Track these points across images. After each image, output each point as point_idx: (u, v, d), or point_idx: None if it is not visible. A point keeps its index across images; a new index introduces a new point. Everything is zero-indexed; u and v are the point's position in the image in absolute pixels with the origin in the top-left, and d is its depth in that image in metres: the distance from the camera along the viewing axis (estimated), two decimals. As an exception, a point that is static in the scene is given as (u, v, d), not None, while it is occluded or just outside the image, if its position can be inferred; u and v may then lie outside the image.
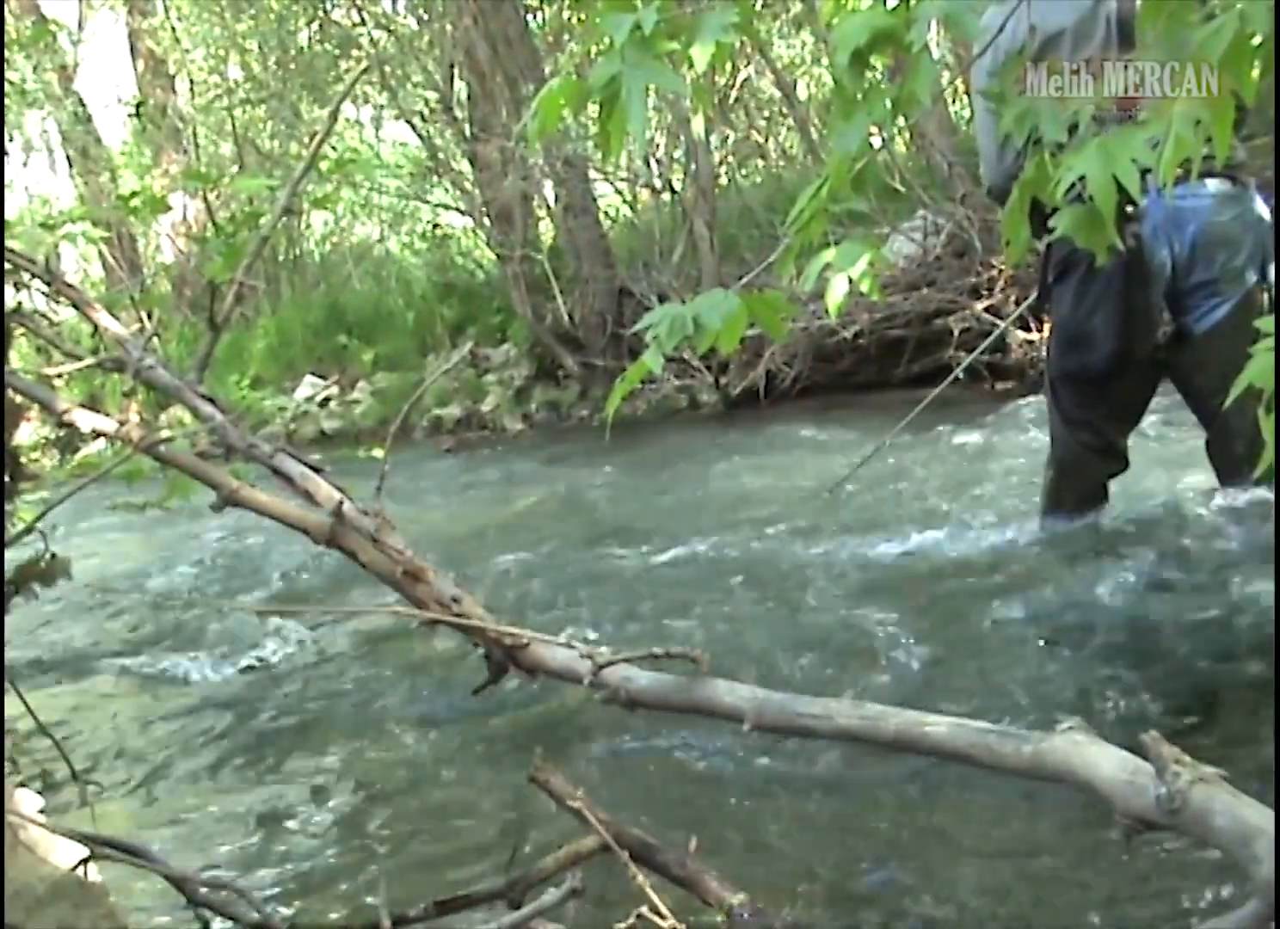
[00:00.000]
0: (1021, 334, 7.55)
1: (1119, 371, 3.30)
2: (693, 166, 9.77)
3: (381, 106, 12.90)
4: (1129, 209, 2.95)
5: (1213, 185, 3.17)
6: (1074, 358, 3.31)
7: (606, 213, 11.44)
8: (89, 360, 2.77)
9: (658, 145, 10.31)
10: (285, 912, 1.98)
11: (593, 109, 1.60)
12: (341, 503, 2.25)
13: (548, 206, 10.83)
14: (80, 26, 15.92)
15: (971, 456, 5.44)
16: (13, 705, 2.40)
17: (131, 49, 15.16)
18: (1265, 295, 3.21)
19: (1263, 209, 3.23)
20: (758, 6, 9.92)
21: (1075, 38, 3.05)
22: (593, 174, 10.41)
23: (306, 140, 11.73)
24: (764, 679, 2.66)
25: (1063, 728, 1.33)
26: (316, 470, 2.38)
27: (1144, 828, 1.22)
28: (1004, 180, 3.14)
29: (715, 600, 3.65)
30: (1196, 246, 3.16)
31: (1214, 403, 3.18)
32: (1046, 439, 3.65)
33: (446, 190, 12.28)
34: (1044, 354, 3.69)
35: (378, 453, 2.58)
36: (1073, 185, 1.43)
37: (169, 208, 2.98)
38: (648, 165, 10.66)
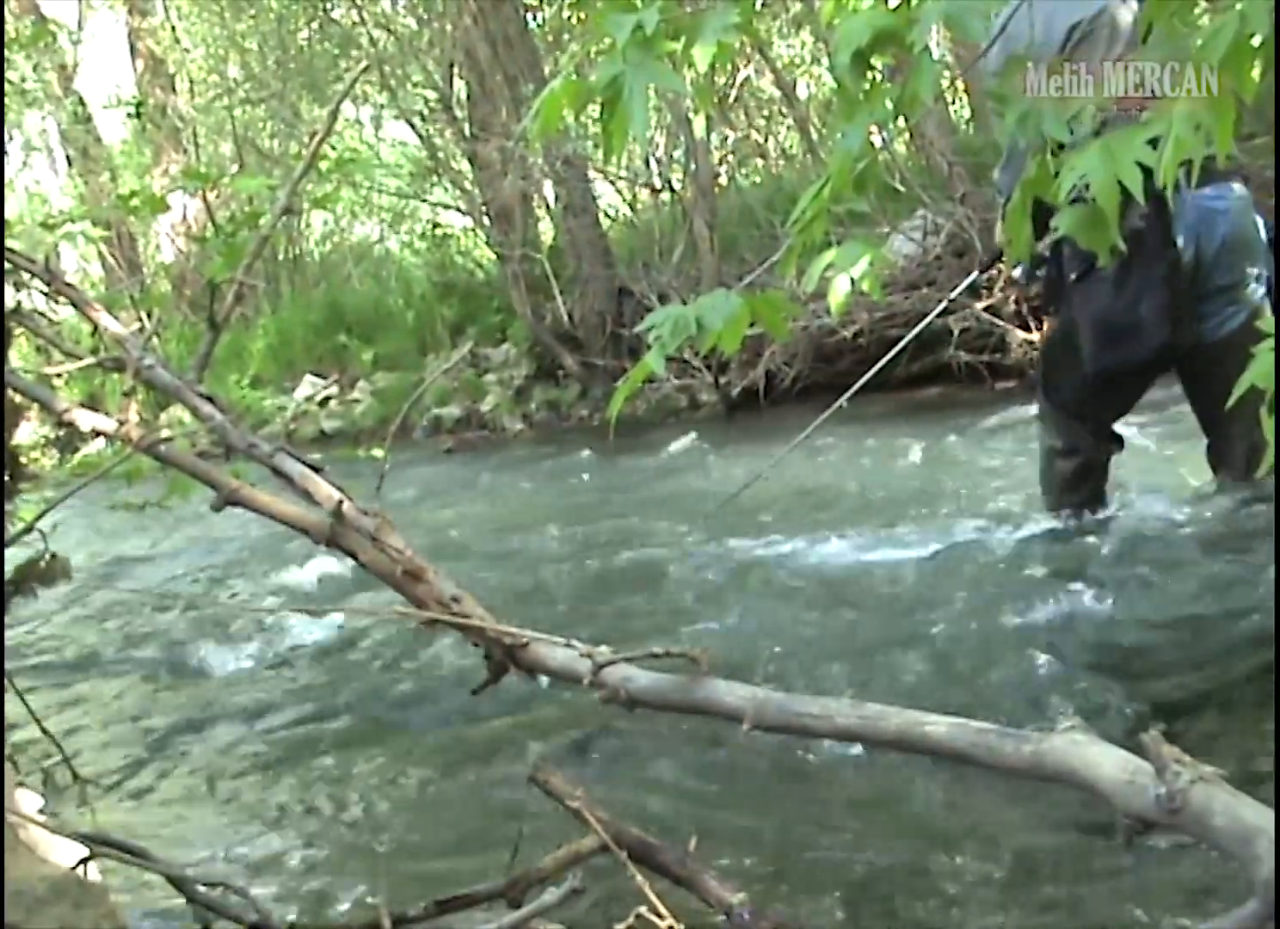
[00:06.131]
0: (1021, 334, 7.56)
1: (1163, 361, 3.26)
2: (693, 166, 9.77)
3: (381, 106, 12.91)
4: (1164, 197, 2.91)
5: (1238, 187, 3.16)
6: (1120, 350, 3.24)
7: (606, 212, 11.44)
8: (89, 360, 2.77)
9: (657, 145, 10.30)
10: (285, 911, 1.98)
11: (592, 108, 1.60)
12: (341, 502, 2.25)
13: (547, 206, 10.84)
14: (80, 26, 15.93)
15: (970, 456, 5.45)
16: (12, 705, 2.41)
17: (131, 48, 15.16)
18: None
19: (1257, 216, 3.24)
20: (758, 6, 9.90)
21: (1110, 32, 3.03)
22: (592, 173, 10.41)
23: (306, 140, 11.72)
24: (762, 678, 2.66)
25: (1062, 728, 1.33)
26: (316, 470, 2.37)
27: (1144, 828, 1.22)
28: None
29: (714, 600, 3.65)
30: (1224, 249, 3.14)
31: (1224, 414, 3.18)
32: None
33: (446, 190, 12.29)
34: (1045, 354, 3.64)
35: (377, 452, 2.58)
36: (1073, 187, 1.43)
37: (168, 207, 2.98)
38: (647, 165, 10.67)
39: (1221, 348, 3.14)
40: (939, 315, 4.66)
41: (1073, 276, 3.26)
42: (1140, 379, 3.36)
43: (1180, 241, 3.12)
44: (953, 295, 4.48)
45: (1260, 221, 3.21)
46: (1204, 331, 3.19)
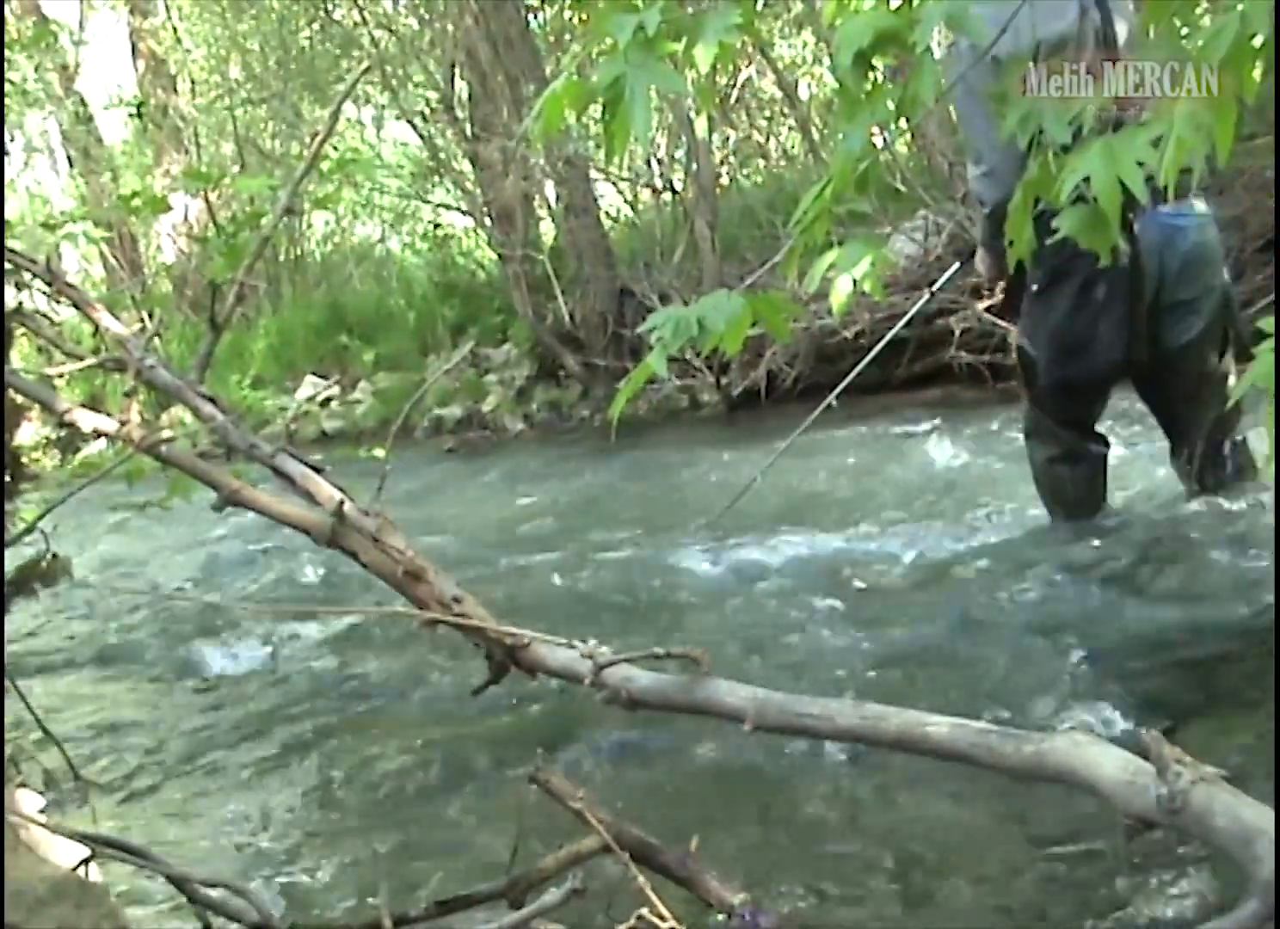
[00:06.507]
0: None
1: (1119, 377, 3.33)
2: (694, 166, 9.76)
3: (383, 106, 12.90)
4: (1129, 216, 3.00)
5: (1199, 205, 3.22)
6: (1075, 365, 3.32)
7: (608, 213, 11.43)
8: (90, 360, 2.77)
9: (659, 145, 10.29)
10: (286, 911, 1.98)
11: (594, 109, 1.60)
12: (342, 503, 2.25)
13: (549, 206, 10.83)
14: (81, 26, 15.92)
15: (971, 457, 5.44)
16: (13, 705, 2.41)
17: (133, 49, 15.15)
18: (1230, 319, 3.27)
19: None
20: (759, 7, 9.89)
21: (1068, 48, 3.06)
22: (594, 174, 10.40)
23: (308, 140, 11.73)
24: (763, 679, 2.66)
25: (1064, 728, 1.34)
26: (317, 470, 2.37)
27: (1145, 828, 1.22)
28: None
29: (715, 600, 3.65)
30: (1186, 265, 3.19)
31: (1182, 412, 3.33)
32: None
33: (448, 190, 12.28)
34: (1021, 367, 3.63)
35: (379, 453, 2.58)
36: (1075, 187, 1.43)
37: (170, 208, 2.98)
38: (649, 165, 10.65)
39: (1178, 354, 3.24)
40: (920, 313, 4.66)
41: (1034, 288, 3.29)
42: (1100, 388, 3.40)
43: (1143, 259, 3.17)
44: (936, 287, 4.48)
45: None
46: (1164, 340, 3.24)
